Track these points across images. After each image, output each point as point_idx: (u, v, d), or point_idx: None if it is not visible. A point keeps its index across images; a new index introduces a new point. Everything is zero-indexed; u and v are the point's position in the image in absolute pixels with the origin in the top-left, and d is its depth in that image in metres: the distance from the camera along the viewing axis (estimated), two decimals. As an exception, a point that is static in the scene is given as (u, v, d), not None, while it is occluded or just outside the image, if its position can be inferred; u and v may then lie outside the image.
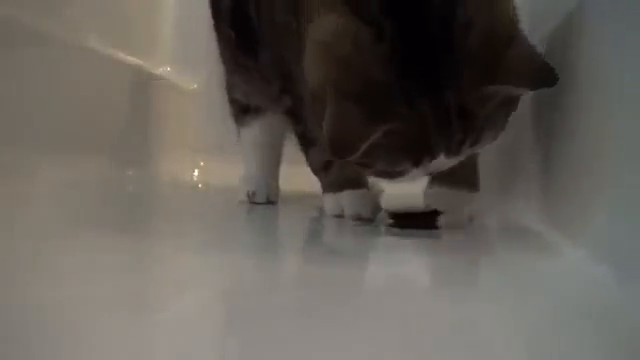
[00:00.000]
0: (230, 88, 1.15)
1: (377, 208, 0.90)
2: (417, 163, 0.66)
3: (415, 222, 0.85)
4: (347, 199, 0.91)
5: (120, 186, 1.29)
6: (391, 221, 0.87)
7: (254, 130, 1.13)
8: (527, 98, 0.75)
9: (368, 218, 0.89)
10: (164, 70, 1.71)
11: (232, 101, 1.16)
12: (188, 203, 1.24)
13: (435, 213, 0.86)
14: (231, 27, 1.04)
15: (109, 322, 0.41)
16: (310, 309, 0.46)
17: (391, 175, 0.70)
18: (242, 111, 1.14)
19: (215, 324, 0.44)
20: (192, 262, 0.63)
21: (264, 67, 0.95)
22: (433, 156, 0.66)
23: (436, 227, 0.85)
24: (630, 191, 0.53)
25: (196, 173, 1.72)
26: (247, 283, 0.56)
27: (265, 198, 1.11)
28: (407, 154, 0.66)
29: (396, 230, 0.85)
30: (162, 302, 0.47)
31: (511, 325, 0.44)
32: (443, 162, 0.67)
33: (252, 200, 1.10)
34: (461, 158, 0.69)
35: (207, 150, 1.76)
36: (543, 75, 0.61)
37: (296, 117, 0.92)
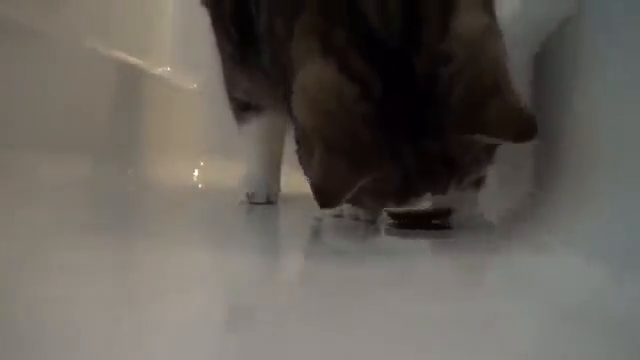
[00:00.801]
0: (230, 85, 1.15)
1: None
2: (403, 204, 0.68)
3: (415, 222, 0.85)
4: None
5: (120, 186, 1.29)
6: (391, 221, 0.88)
7: (254, 127, 1.13)
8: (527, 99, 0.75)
9: (366, 219, 0.89)
10: (164, 70, 1.72)
11: (232, 98, 1.16)
12: (188, 203, 1.24)
13: (434, 214, 0.86)
14: (232, 24, 1.04)
15: (108, 321, 0.41)
16: (311, 309, 0.46)
17: (382, 207, 0.73)
18: (242, 109, 1.14)
19: (215, 324, 0.44)
20: (192, 262, 0.63)
21: (267, 67, 0.95)
22: (419, 197, 0.68)
23: (435, 227, 0.85)
24: (625, 191, 0.53)
25: (196, 173, 1.72)
26: (247, 283, 0.56)
27: (265, 198, 1.11)
28: (392, 197, 0.68)
29: (396, 230, 0.85)
30: (162, 302, 0.47)
31: (511, 324, 0.44)
32: (433, 197, 0.70)
33: (251, 200, 1.10)
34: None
35: (207, 150, 1.76)
36: (522, 128, 0.61)
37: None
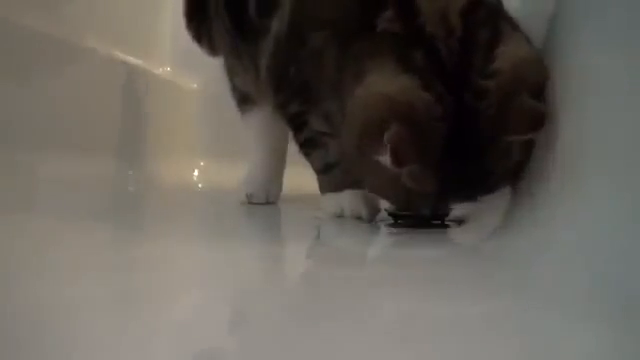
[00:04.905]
0: (230, 73, 1.15)
1: (376, 209, 0.90)
2: (430, 207, 0.81)
3: (414, 222, 0.85)
4: (347, 199, 0.91)
5: (120, 186, 1.29)
6: (391, 221, 0.88)
7: (257, 118, 1.13)
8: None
9: (367, 218, 0.89)
10: (164, 70, 1.72)
11: (233, 87, 1.16)
12: (188, 203, 1.24)
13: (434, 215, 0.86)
14: (226, 15, 1.04)
15: (109, 321, 0.41)
16: (311, 309, 0.46)
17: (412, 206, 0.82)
18: (243, 99, 1.14)
19: (214, 324, 0.44)
20: (192, 262, 0.63)
21: (266, 72, 0.95)
22: (447, 203, 0.80)
23: (434, 227, 0.85)
24: (619, 192, 0.53)
25: (196, 173, 1.72)
26: (247, 283, 0.56)
27: (264, 199, 1.11)
28: (424, 199, 0.75)
29: (396, 230, 0.85)
30: (161, 302, 0.47)
31: (511, 323, 0.44)
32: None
33: (251, 201, 1.10)
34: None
35: (207, 150, 1.76)
36: (534, 123, 0.68)
37: (302, 123, 0.93)
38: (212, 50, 1.20)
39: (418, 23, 0.72)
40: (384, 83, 0.71)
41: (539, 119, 0.67)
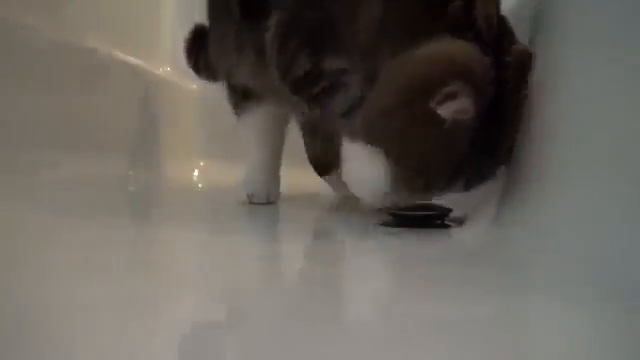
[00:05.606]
0: (228, 75, 1.14)
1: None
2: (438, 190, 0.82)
3: (414, 222, 0.85)
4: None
5: (120, 186, 1.29)
6: (391, 221, 0.88)
7: (255, 117, 1.12)
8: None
9: (369, 218, 0.89)
10: (164, 70, 1.72)
11: (231, 87, 1.15)
12: (188, 203, 1.24)
13: (434, 214, 0.86)
14: (240, 13, 1.04)
15: (108, 322, 0.41)
16: (311, 309, 0.46)
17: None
18: (243, 97, 1.13)
19: (214, 323, 0.44)
20: (192, 262, 0.64)
21: (274, 29, 0.94)
22: (450, 187, 0.82)
23: (434, 227, 0.85)
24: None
25: (196, 173, 1.73)
26: (247, 283, 0.56)
27: (265, 199, 1.11)
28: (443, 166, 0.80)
29: (395, 230, 0.85)
30: (162, 302, 0.47)
31: (510, 323, 0.45)
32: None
33: (251, 201, 1.10)
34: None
35: (207, 150, 1.76)
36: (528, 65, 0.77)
37: (310, 82, 0.90)
38: (211, 77, 1.23)
39: (473, 16, 0.81)
40: (445, 46, 0.79)
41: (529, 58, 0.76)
